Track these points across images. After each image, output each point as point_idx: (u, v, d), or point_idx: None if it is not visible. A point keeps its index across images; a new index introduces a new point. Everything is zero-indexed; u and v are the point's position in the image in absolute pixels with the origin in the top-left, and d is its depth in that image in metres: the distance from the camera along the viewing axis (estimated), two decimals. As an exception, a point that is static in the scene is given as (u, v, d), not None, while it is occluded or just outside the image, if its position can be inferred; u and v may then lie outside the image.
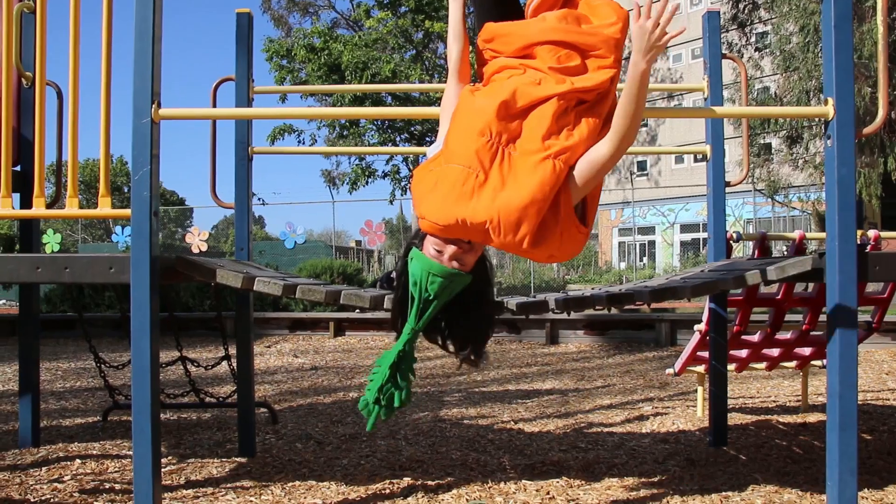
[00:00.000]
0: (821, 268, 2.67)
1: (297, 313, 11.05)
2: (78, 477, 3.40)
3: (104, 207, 2.70)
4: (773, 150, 22.76)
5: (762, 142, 22.10)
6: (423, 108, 2.58)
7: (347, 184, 15.59)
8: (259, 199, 16.87)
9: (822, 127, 2.64)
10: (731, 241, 3.83)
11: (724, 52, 3.81)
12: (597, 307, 2.72)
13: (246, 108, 3.54)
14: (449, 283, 2.30)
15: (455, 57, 2.48)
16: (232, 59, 3.72)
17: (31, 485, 3.26)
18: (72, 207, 2.73)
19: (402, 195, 15.73)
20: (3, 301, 18.28)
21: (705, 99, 3.69)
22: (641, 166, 35.44)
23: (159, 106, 2.57)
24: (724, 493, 3.07)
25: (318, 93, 10.85)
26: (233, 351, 4.13)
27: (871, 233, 3.69)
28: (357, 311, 10.68)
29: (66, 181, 2.87)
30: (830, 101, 2.56)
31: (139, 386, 2.57)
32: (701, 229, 29.52)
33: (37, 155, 2.79)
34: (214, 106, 3.62)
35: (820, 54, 16.87)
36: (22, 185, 3.60)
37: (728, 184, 3.78)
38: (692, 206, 30.28)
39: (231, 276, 2.68)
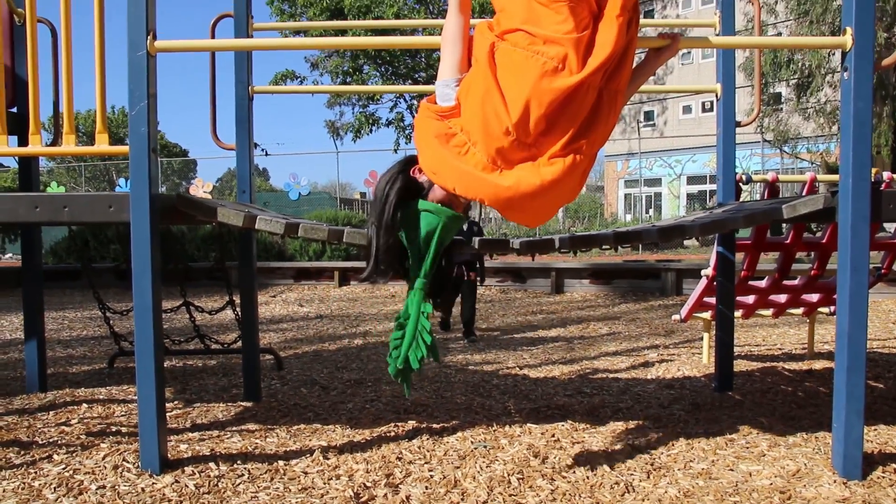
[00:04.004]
0: (833, 206, 2.60)
1: (302, 263, 11.06)
2: (85, 420, 3.41)
3: (101, 144, 2.64)
4: (782, 100, 22.42)
5: (772, 91, 21.75)
6: (427, 38, 2.49)
7: (351, 132, 15.39)
8: (262, 149, 16.70)
9: (840, 59, 2.54)
10: (741, 184, 3.76)
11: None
12: (603, 246, 2.67)
13: (245, 39, 3.43)
14: (457, 229, 2.36)
15: None
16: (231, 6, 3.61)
17: (39, 428, 3.28)
18: (68, 144, 2.66)
19: (406, 144, 15.55)
20: (10, 255, 18.37)
21: (717, 34, 3.58)
22: (648, 116, 34.97)
23: (155, 38, 2.49)
24: (728, 436, 3.07)
25: (317, 29, 10.54)
26: (237, 299, 4.12)
27: (886, 174, 3.62)
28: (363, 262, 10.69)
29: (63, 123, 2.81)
30: (849, 30, 2.46)
31: (142, 326, 2.55)
32: (708, 181, 29.26)
33: (31, 92, 2.72)
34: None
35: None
36: (19, 128, 3.53)
37: (739, 124, 3.69)
38: (699, 157, 29.95)
39: (232, 214, 2.63)
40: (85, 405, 3.69)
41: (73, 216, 2.66)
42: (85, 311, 8.00)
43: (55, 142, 3.88)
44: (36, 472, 2.64)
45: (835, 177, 2.65)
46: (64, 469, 2.67)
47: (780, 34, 22.11)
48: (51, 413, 3.55)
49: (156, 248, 2.55)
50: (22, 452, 2.88)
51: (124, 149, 2.53)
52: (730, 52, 3.75)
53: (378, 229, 2.33)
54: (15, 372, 4.63)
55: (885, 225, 5.23)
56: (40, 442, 3.04)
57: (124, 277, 8.43)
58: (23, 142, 3.42)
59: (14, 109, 3.61)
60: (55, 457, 2.82)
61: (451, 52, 2.34)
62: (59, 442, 3.04)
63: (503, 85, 2.16)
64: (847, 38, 2.46)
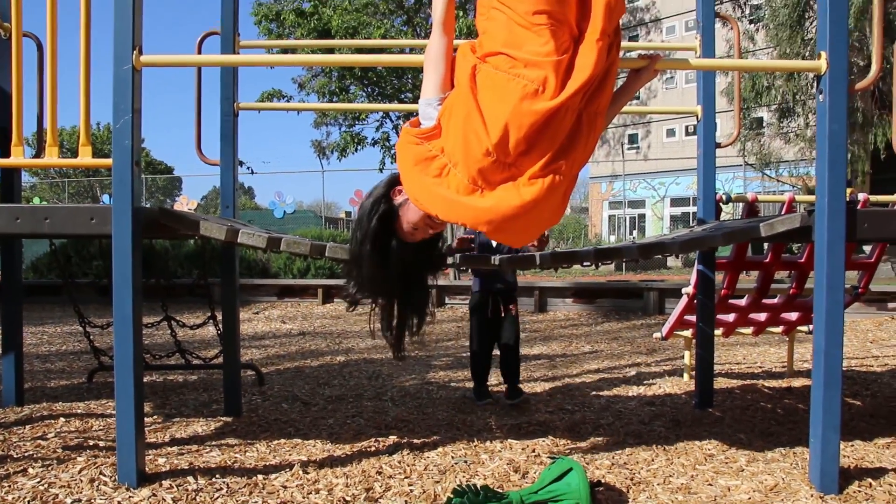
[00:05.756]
0: (810, 225, 2.65)
1: (286, 280, 11.02)
2: (62, 434, 3.38)
3: (85, 157, 2.65)
4: (764, 124, 22.74)
5: (753, 115, 22.05)
6: (413, 56, 2.53)
7: (337, 151, 15.43)
8: (248, 167, 16.74)
9: (815, 83, 2.61)
10: (721, 203, 3.81)
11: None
12: (584, 263, 2.70)
13: (231, 55, 3.46)
14: None
15: (441, 9, 2.41)
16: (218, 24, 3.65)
17: (15, 442, 3.24)
18: (51, 157, 2.66)
19: (391, 163, 15.59)
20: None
21: (697, 58, 3.65)
22: (632, 139, 35.32)
23: (141, 52, 2.51)
24: (708, 452, 3.09)
25: (303, 47, 10.50)
26: (219, 315, 4.11)
27: (861, 195, 3.69)
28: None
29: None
30: (823, 54, 2.52)
31: (121, 338, 2.54)
32: (691, 203, 29.55)
33: (14, 104, 2.73)
34: (199, 60, 3.54)
35: (810, 28, 16.79)
36: (1, 141, 3.52)
37: (719, 145, 3.76)
38: (682, 179, 30.28)
39: (215, 228, 2.64)
40: (62, 419, 3.65)
41: (55, 228, 2.65)
42: (65, 326, 7.92)
43: (38, 155, 3.88)
44: (10, 486, 2.61)
45: (812, 197, 2.70)
46: (39, 483, 2.64)
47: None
48: (27, 427, 3.50)
49: (137, 261, 2.55)
50: (-3, 466, 2.85)
51: (107, 161, 2.53)
52: (710, 75, 3.82)
53: (357, 253, 2.45)
54: (-8, 387, 4.57)
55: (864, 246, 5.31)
56: (15, 456, 3.01)
57: (106, 293, 8.35)
58: (5, 153, 3.41)
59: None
60: (30, 470, 2.78)
61: (434, 72, 2.37)
62: (35, 456, 3.00)
63: (484, 107, 2.18)
64: (822, 63, 2.52)
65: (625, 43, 2.59)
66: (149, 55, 2.52)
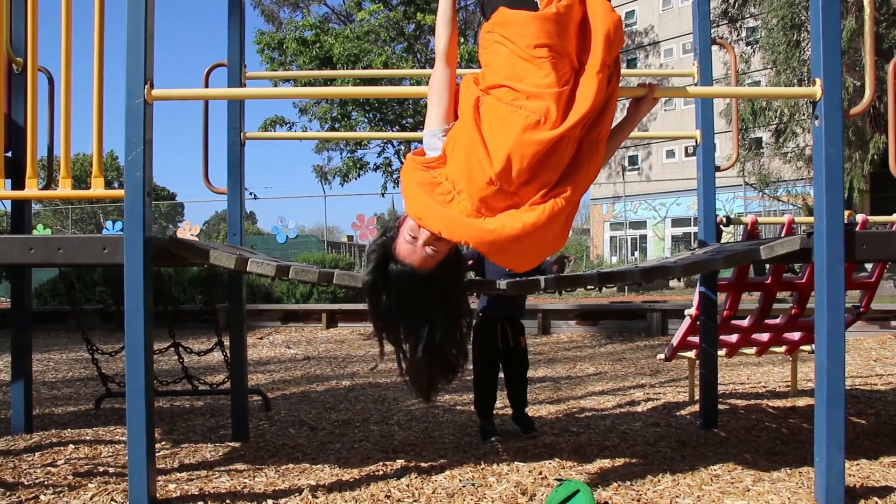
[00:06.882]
0: (809, 247, 2.70)
1: (290, 305, 11.05)
2: (71, 461, 3.40)
3: (97, 188, 2.71)
4: (762, 144, 22.88)
5: (752, 136, 22.19)
6: (414, 88, 2.60)
7: (339, 177, 15.55)
8: (251, 193, 16.84)
9: (810, 109, 2.67)
10: (721, 226, 3.86)
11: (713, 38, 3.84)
12: (588, 286, 2.74)
13: (239, 88, 3.54)
14: None
15: (444, 42, 2.49)
16: (223, 54, 3.73)
17: (25, 469, 3.26)
18: (65, 188, 2.72)
19: (394, 188, 15.71)
20: (-4, 297, 18.21)
21: (695, 84, 3.72)
22: (633, 161, 35.50)
23: (152, 87, 2.57)
24: (714, 472, 3.11)
25: (308, 78, 10.62)
26: (226, 341, 4.15)
27: (859, 216, 3.74)
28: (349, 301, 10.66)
29: (58, 165, 2.87)
30: (818, 81, 2.58)
31: (133, 366, 2.57)
32: (692, 223, 29.61)
33: (29, 137, 2.79)
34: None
35: (807, 49, 16.96)
36: (13, 172, 3.58)
37: (718, 168, 3.81)
38: (683, 200, 30.37)
39: (225, 256, 2.69)
40: (72, 446, 3.68)
41: (68, 258, 2.70)
42: (70, 352, 7.96)
43: (48, 185, 3.95)
44: (23, 514, 2.64)
45: (811, 219, 2.75)
46: (52, 510, 2.67)
47: (758, 82, 22.68)
48: (36, 454, 3.53)
49: (148, 289, 2.59)
50: (7, 494, 2.87)
51: (119, 192, 2.59)
52: (708, 101, 3.89)
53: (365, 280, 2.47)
54: None
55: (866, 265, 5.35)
56: (26, 483, 3.03)
57: (111, 319, 8.41)
58: (18, 185, 3.47)
59: (9, 154, 3.67)
60: (42, 497, 2.81)
61: (437, 103, 2.44)
62: (46, 483, 3.03)
63: (487, 137, 2.25)
64: (817, 89, 2.59)
65: (626, 70, 2.66)
66: (160, 89, 2.59)
